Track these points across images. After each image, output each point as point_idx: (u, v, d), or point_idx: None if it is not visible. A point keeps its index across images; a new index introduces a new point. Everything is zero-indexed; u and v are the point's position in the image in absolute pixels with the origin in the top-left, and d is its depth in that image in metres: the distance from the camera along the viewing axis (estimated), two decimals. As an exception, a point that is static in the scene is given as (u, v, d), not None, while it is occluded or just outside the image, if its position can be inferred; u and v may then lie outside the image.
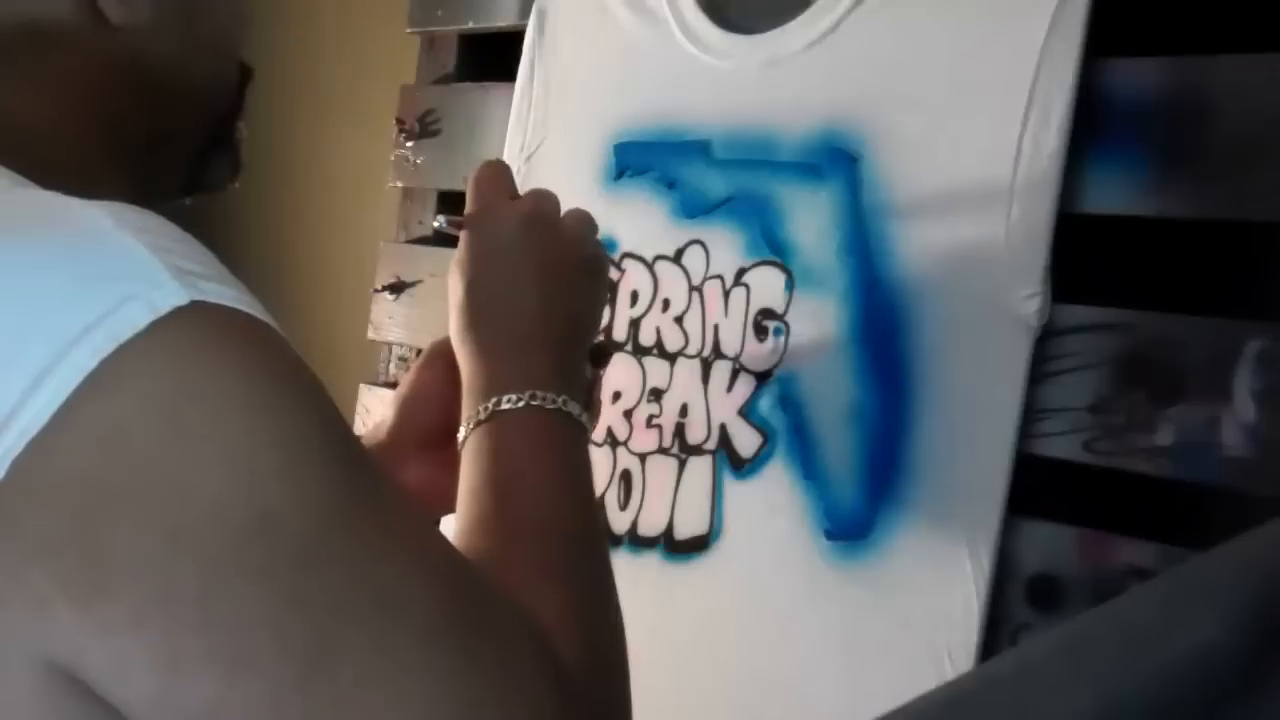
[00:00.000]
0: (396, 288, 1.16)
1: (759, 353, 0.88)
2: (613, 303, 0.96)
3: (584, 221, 0.69)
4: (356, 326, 1.20)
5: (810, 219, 0.87)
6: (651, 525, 0.92)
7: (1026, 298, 0.76)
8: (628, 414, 0.94)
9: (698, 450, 0.91)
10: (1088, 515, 0.76)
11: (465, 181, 0.69)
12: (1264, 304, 0.70)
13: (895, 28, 0.84)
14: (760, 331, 0.88)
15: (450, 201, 1.13)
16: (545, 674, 0.46)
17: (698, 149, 0.93)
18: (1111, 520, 0.75)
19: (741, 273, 0.90)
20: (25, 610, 0.40)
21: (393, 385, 1.09)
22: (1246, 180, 0.72)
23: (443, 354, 0.69)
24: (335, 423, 0.46)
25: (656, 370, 0.94)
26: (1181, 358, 0.72)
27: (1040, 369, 0.76)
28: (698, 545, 0.89)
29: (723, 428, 0.89)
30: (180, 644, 0.40)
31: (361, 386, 1.19)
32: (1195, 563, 0.48)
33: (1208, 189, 0.74)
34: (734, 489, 0.88)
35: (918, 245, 0.82)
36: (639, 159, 0.97)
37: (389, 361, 1.19)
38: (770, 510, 0.86)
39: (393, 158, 1.19)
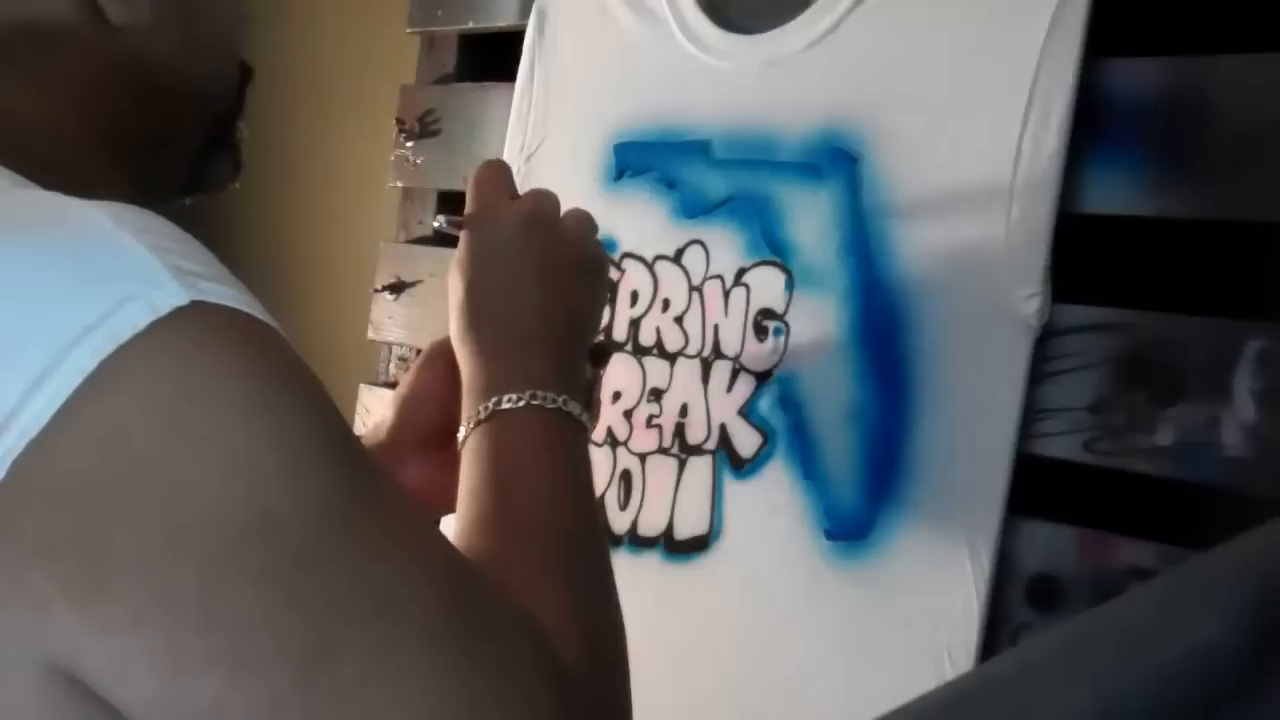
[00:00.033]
0: (396, 288, 1.16)
1: (759, 353, 0.88)
2: (613, 303, 0.96)
3: (584, 221, 0.69)
4: (356, 326, 1.20)
5: (810, 219, 0.87)
6: (651, 525, 0.92)
7: (1026, 298, 0.76)
8: (628, 414, 0.94)
9: (698, 450, 0.91)
10: (1088, 515, 0.76)
11: (465, 181, 0.69)
12: (1264, 304, 0.70)
13: (895, 28, 0.84)
14: (760, 331, 0.88)
15: (450, 201, 1.13)
16: (545, 674, 0.46)
17: (698, 149, 0.93)
18: (1111, 520, 0.75)
19: (741, 273, 0.90)
20: (25, 611, 0.40)
21: (393, 385, 1.09)
22: (1246, 180, 0.72)
23: (443, 354, 0.69)
24: (335, 422, 0.46)
25: (656, 370, 0.94)
26: (1181, 358, 0.72)
27: (1040, 369, 0.76)
28: (698, 545, 0.89)
29: (723, 428, 0.89)
30: (181, 645, 0.40)
31: (361, 386, 1.19)
32: (1195, 563, 0.48)
33: (1208, 189, 0.74)
34: (734, 489, 0.88)
35: (918, 245, 0.81)
36: (639, 159, 0.97)
37: (389, 361, 1.19)
38: (770, 510, 0.86)
39: (393, 158, 1.19)
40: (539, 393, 0.60)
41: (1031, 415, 0.76)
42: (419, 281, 1.15)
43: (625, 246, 0.96)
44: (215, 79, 0.64)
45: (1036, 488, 0.77)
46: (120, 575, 0.40)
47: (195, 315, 0.42)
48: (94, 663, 0.41)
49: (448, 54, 1.18)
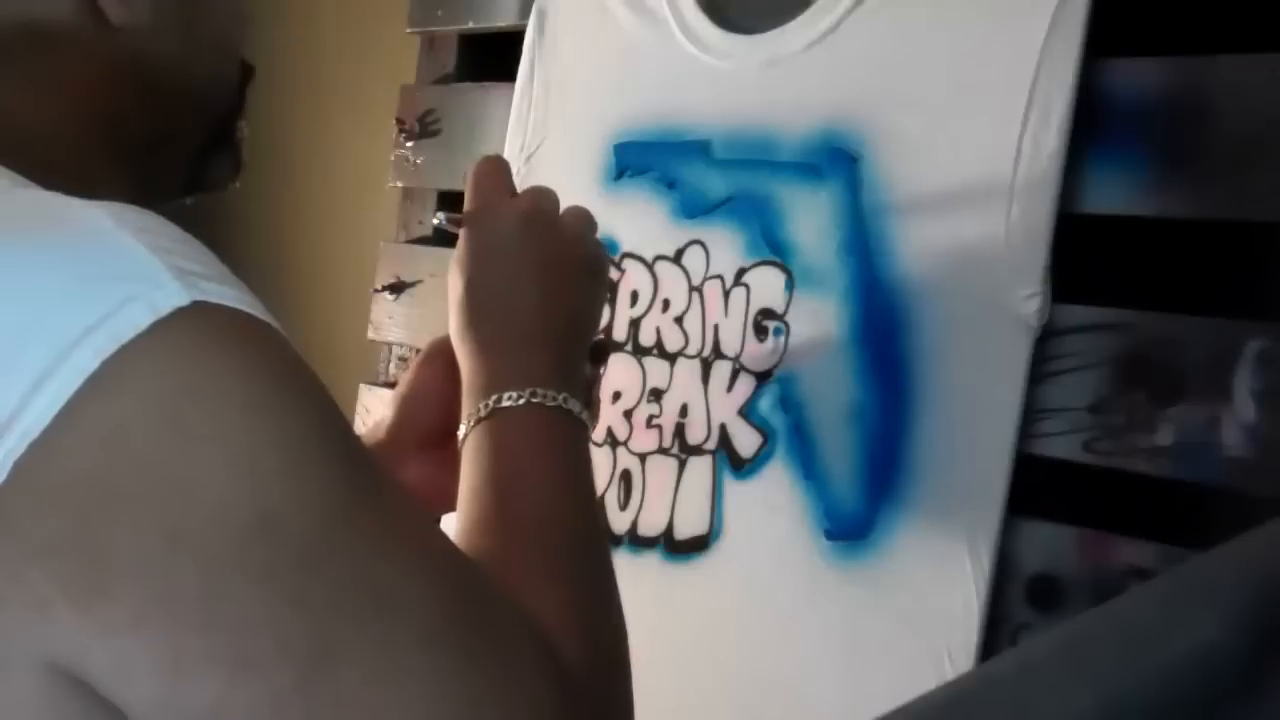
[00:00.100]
0: (396, 288, 1.16)
1: (759, 353, 0.88)
2: (613, 303, 0.96)
3: (583, 219, 0.69)
4: (356, 326, 1.20)
5: (810, 219, 0.87)
6: (651, 525, 0.92)
7: (1026, 298, 0.76)
8: (628, 414, 0.94)
9: (698, 450, 0.91)
10: (1088, 515, 0.76)
11: (465, 179, 0.69)
12: (1264, 304, 0.71)
13: (895, 28, 0.84)
14: (760, 331, 0.88)
15: (450, 201, 1.13)
16: (546, 672, 0.46)
17: (698, 149, 0.93)
18: (1111, 520, 0.75)
19: (741, 273, 0.90)
20: (26, 611, 0.40)
21: (393, 385, 1.09)
22: (1246, 180, 0.72)
23: (442, 352, 0.69)
24: (336, 422, 0.46)
25: (656, 370, 0.94)
26: (1181, 358, 0.72)
27: (1040, 369, 0.77)
28: (698, 545, 0.89)
29: (723, 428, 0.89)
30: (182, 645, 0.40)
31: (361, 386, 1.19)
32: (1195, 563, 0.48)
33: (1208, 189, 0.74)
34: (734, 489, 0.88)
35: (918, 245, 0.82)
36: (639, 159, 0.97)
37: (389, 361, 1.19)
38: (770, 510, 0.86)
39: (393, 158, 1.19)
40: (539, 391, 0.60)
41: (1031, 415, 0.76)
42: (419, 281, 1.15)
43: (625, 246, 0.96)
44: (215, 79, 0.64)
45: (1036, 488, 0.77)
46: (121, 575, 0.40)
47: (196, 315, 0.42)
48: (95, 663, 0.41)
49: (448, 54, 1.18)
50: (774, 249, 0.88)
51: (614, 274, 0.95)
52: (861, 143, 0.85)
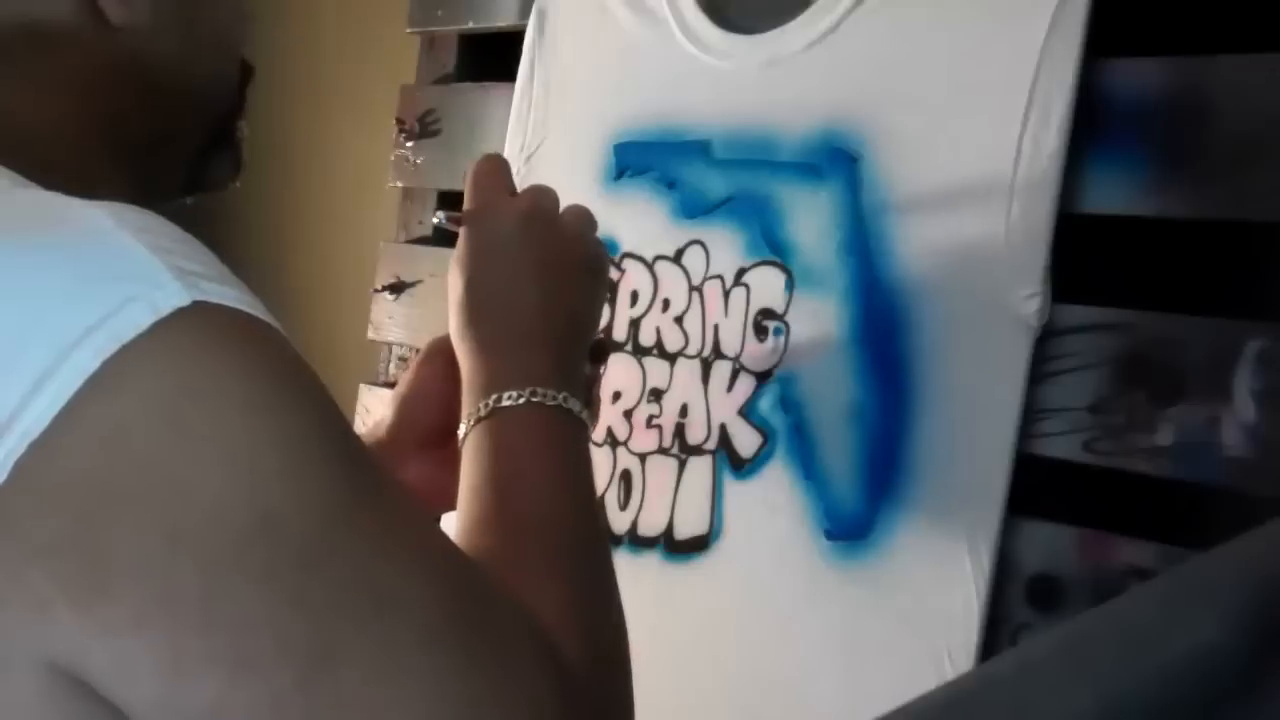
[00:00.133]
0: (396, 288, 1.16)
1: (759, 353, 0.88)
2: (613, 303, 0.96)
3: (583, 218, 0.69)
4: (356, 326, 1.20)
5: (810, 219, 0.87)
6: (651, 525, 0.92)
7: (1026, 298, 0.76)
8: (628, 414, 0.94)
9: (698, 450, 0.91)
10: (1088, 515, 0.76)
11: (464, 177, 0.69)
12: (1264, 304, 0.71)
13: (895, 28, 0.84)
14: (760, 331, 0.88)
15: (450, 201, 1.13)
16: (546, 672, 0.46)
17: (698, 149, 0.93)
18: (1111, 520, 0.75)
19: (741, 273, 0.90)
20: (26, 612, 0.40)
21: (393, 385, 1.09)
22: (1246, 180, 0.72)
23: (442, 351, 0.69)
24: (336, 422, 0.46)
25: (656, 370, 0.94)
26: (1181, 358, 0.72)
27: (1040, 369, 0.77)
28: (698, 545, 0.90)
29: (723, 428, 0.89)
30: (182, 645, 0.40)
31: (361, 386, 1.19)
32: (1195, 563, 0.48)
33: (1208, 189, 0.74)
34: (734, 489, 0.88)
35: (918, 245, 0.82)
36: (639, 159, 0.97)
37: (389, 361, 1.19)
38: (770, 510, 0.86)
39: (393, 158, 1.19)
40: (539, 390, 0.60)
41: (1031, 415, 0.76)
42: (419, 281, 1.15)
43: (625, 246, 0.96)
44: (216, 78, 0.64)
45: (1036, 488, 0.77)
46: (122, 575, 0.40)
47: (197, 315, 0.42)
48: (95, 663, 0.41)
49: (448, 54, 1.18)
50: (774, 249, 0.88)
51: (614, 274, 0.95)
52: (861, 142, 0.85)
